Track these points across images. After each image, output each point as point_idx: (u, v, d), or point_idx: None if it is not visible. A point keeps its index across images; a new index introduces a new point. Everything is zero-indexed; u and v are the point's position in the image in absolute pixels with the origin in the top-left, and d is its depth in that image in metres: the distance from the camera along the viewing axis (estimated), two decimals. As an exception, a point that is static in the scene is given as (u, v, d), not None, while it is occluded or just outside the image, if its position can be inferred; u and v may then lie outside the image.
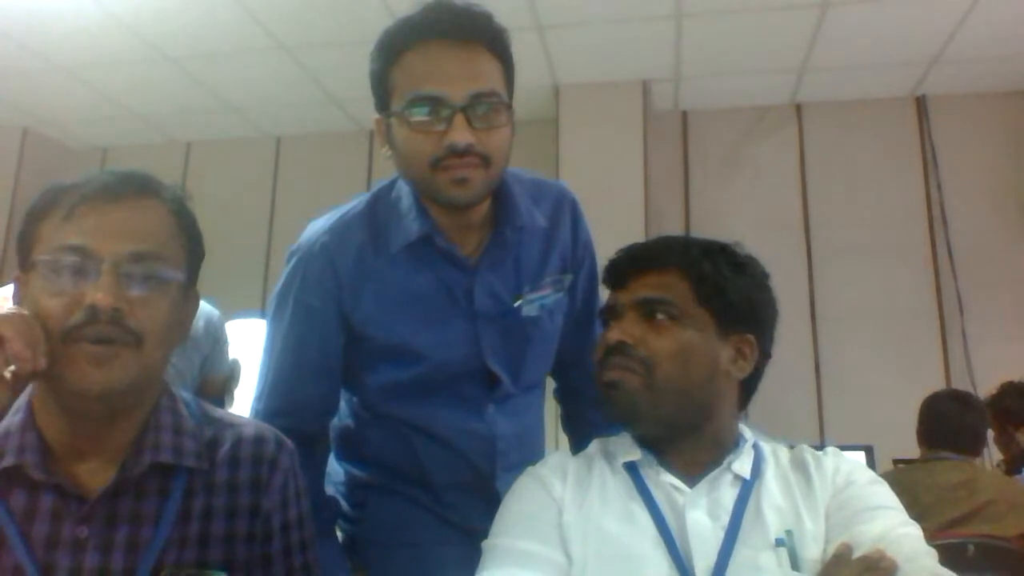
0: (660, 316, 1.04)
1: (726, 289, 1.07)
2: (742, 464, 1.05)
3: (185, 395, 1.03)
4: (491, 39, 1.15)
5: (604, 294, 1.20)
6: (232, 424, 1.03)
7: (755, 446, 1.09)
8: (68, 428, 0.92)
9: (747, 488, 1.03)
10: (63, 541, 0.89)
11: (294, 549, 1.02)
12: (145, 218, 0.93)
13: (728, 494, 1.02)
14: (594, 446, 1.14)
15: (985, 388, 3.23)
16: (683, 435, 1.05)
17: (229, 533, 0.96)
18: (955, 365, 3.81)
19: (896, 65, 3.80)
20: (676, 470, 1.05)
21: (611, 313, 1.09)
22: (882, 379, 3.19)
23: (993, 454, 3.35)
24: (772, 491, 1.03)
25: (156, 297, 0.92)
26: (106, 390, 0.88)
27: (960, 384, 3.77)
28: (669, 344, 1.03)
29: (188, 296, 0.98)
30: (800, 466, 1.07)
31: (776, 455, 1.09)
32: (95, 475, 0.92)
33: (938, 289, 3.91)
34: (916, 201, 4.02)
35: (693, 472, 1.04)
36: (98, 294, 0.86)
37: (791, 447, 1.12)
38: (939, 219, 3.95)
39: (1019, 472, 2.73)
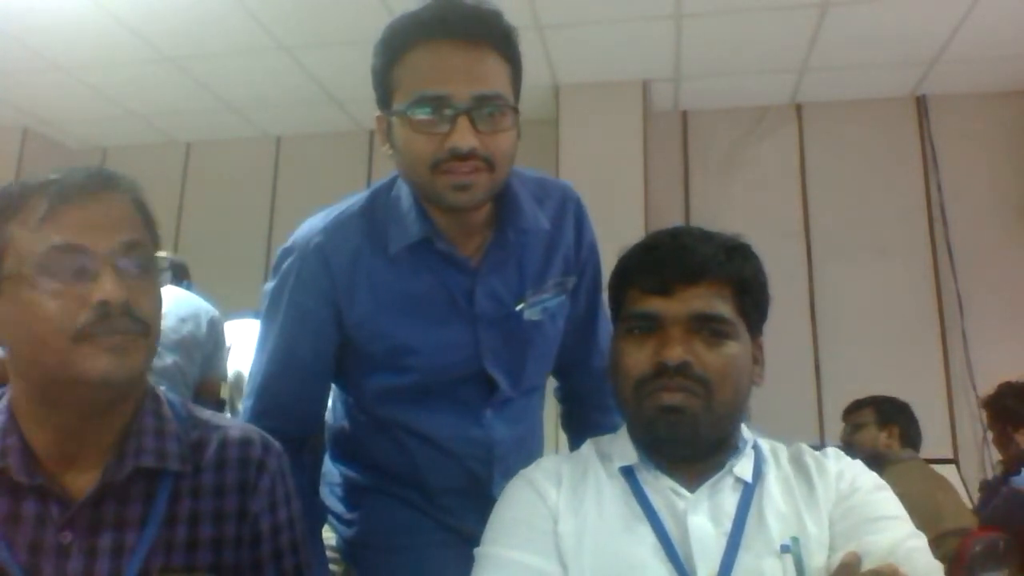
0: (712, 332, 0.98)
1: (762, 296, 1.04)
2: (743, 467, 1.01)
3: (171, 396, 1.02)
4: (499, 39, 1.10)
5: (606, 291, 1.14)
6: (218, 426, 1.01)
7: (755, 446, 1.05)
8: (52, 429, 0.90)
9: (749, 492, 0.99)
10: (47, 546, 0.88)
11: (285, 552, 1.00)
12: (122, 210, 0.92)
13: (729, 499, 0.98)
14: (588, 447, 1.10)
15: (985, 388, 3.23)
16: (709, 449, 1.01)
17: (217, 537, 0.95)
18: (955, 365, 3.81)
19: (896, 65, 3.80)
20: (675, 474, 1.00)
21: (653, 323, 0.99)
22: (882, 379, 3.19)
23: (993, 455, 3.35)
24: (774, 495, 0.99)
25: (151, 284, 0.92)
26: (124, 377, 0.88)
27: (960, 384, 3.77)
28: (724, 362, 0.97)
29: (159, 281, 0.97)
30: (801, 468, 1.03)
31: (776, 455, 1.05)
32: (79, 480, 0.91)
33: (938, 289, 3.91)
34: (916, 201, 4.01)
35: (693, 476, 1.00)
36: (107, 288, 0.86)
37: (788, 445, 1.09)
38: (939, 219, 3.95)
39: (1018, 473, 2.73)
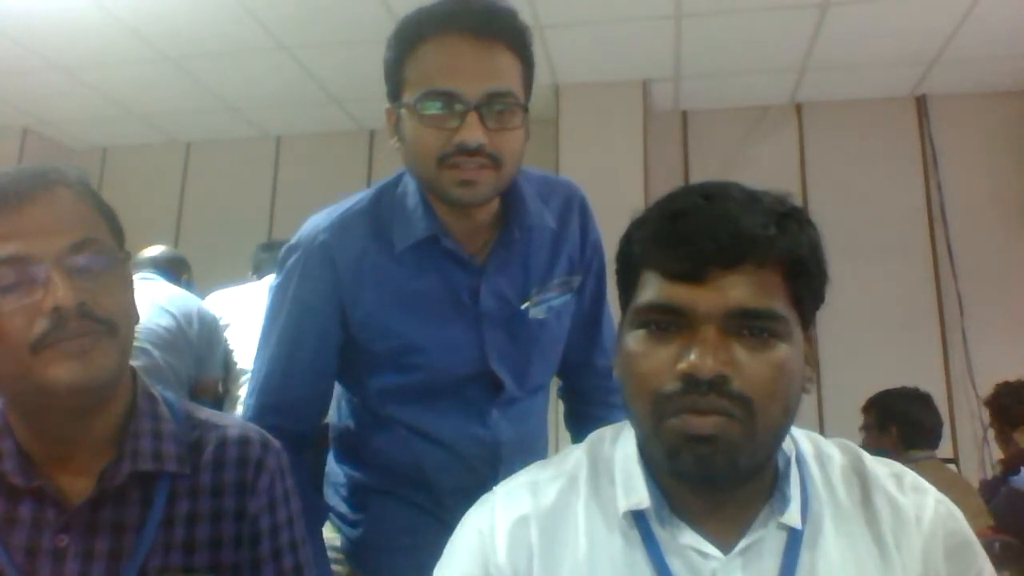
0: (757, 333, 0.75)
1: (819, 276, 0.79)
2: (791, 512, 0.78)
3: (168, 396, 1.01)
4: (512, 38, 1.10)
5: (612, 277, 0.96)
6: (217, 425, 1.00)
7: (799, 460, 0.84)
8: (39, 434, 0.90)
9: (796, 544, 0.78)
10: (43, 550, 0.87)
11: (284, 550, 1.00)
12: (65, 208, 0.88)
13: (771, 560, 0.77)
14: (580, 455, 0.89)
15: (985, 388, 3.23)
16: (746, 478, 0.79)
17: (215, 538, 0.95)
18: (955, 365, 3.81)
19: (896, 65, 3.79)
20: (700, 523, 0.79)
21: (678, 319, 0.76)
22: (882, 379, 3.18)
23: (993, 453, 3.35)
24: (830, 550, 0.78)
25: (113, 280, 0.89)
26: (92, 381, 0.85)
27: (960, 384, 3.77)
28: (771, 373, 0.74)
29: (128, 270, 0.95)
30: (870, 511, 0.81)
31: (826, 474, 0.84)
32: (75, 483, 0.90)
33: (938, 289, 3.91)
34: (916, 201, 4.01)
35: (723, 523, 0.79)
36: (58, 294, 0.82)
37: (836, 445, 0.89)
38: (939, 219, 3.95)
39: (1018, 472, 2.74)
